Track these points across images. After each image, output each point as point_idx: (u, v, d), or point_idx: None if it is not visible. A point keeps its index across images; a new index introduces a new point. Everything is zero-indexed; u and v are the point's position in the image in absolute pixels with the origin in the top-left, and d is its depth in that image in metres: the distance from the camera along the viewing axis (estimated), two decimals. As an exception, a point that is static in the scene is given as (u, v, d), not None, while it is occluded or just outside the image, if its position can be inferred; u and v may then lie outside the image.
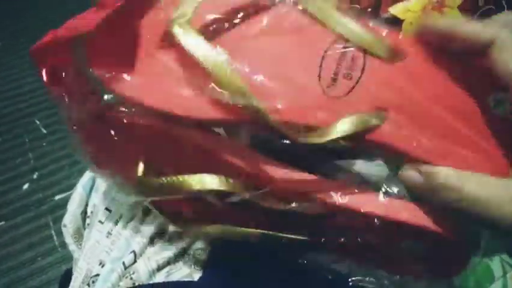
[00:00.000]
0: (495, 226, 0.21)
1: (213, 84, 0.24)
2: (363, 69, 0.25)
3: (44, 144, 0.64)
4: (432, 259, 0.26)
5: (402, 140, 0.25)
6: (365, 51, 0.25)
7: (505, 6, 0.37)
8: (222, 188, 0.26)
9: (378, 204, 0.25)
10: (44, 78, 0.23)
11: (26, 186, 0.59)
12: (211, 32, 0.26)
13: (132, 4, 0.25)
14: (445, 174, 0.24)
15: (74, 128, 0.26)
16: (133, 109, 0.25)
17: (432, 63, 0.26)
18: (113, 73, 0.23)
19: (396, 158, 0.26)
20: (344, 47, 0.26)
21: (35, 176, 0.60)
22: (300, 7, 0.27)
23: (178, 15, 0.25)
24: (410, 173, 0.26)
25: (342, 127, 0.25)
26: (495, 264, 0.39)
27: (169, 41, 0.25)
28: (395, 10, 0.38)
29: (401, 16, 0.38)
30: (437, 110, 0.26)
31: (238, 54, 0.25)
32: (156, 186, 0.27)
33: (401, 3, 0.39)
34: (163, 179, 0.25)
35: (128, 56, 0.25)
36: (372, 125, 0.25)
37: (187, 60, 0.24)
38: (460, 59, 0.25)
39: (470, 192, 0.21)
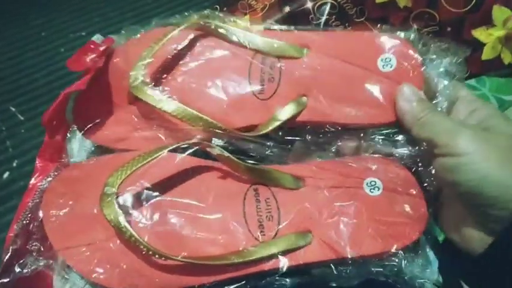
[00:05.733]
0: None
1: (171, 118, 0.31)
2: (280, 71, 0.33)
3: (22, 131, 0.62)
4: None
5: (320, 114, 0.32)
6: (278, 57, 0.33)
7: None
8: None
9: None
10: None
11: (6, 175, 0.57)
12: (159, 79, 0.34)
13: (105, 69, 0.35)
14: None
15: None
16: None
17: (332, 48, 0.33)
18: (95, 129, 0.34)
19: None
20: (263, 58, 0.33)
21: (14, 164, 0.58)
22: (222, 37, 0.34)
23: (133, 79, 0.32)
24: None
25: (280, 116, 0.32)
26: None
27: (132, 98, 0.34)
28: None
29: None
30: (338, 81, 0.33)
31: (187, 89, 0.33)
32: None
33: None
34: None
35: (103, 110, 0.35)
36: (299, 110, 0.32)
37: (145, 108, 0.34)
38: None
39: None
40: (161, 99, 0.31)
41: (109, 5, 0.80)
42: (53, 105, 0.34)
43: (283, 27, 0.35)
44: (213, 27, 0.34)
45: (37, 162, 0.36)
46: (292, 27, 0.35)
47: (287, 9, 0.40)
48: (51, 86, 0.67)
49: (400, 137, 0.32)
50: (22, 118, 0.63)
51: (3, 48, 0.72)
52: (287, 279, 0.29)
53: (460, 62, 0.32)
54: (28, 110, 0.64)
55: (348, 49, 0.33)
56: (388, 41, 0.33)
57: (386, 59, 0.32)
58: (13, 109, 0.64)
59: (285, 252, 0.29)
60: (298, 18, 0.40)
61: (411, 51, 0.32)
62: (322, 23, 0.39)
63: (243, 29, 0.34)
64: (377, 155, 0.33)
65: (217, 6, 0.46)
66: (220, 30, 0.34)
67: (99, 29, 0.75)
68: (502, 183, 0.25)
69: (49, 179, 0.34)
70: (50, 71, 0.69)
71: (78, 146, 0.37)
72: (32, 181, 0.35)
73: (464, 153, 0.26)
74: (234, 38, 0.34)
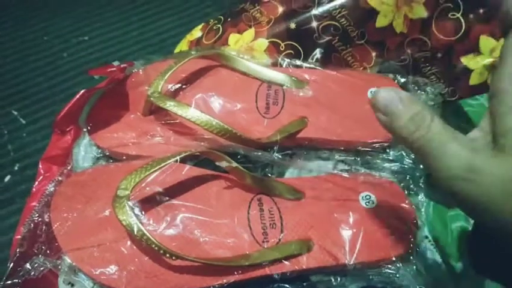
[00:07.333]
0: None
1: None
2: (283, 97, 0.38)
3: (24, 135, 0.63)
4: None
5: (320, 131, 0.36)
6: (281, 86, 0.39)
7: (461, 3, 0.42)
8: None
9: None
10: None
11: (7, 178, 0.58)
12: (176, 94, 0.38)
13: (123, 82, 0.38)
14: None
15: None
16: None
17: (328, 83, 0.39)
18: (107, 134, 0.36)
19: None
20: (268, 86, 0.39)
21: (16, 168, 0.59)
22: (231, 66, 0.39)
23: (153, 90, 0.35)
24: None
25: (284, 129, 0.36)
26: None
27: (147, 109, 0.36)
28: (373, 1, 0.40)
29: (377, 8, 0.40)
30: (335, 105, 0.37)
31: (201, 101, 0.37)
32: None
33: None
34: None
35: (117, 118, 0.37)
36: (300, 128, 0.36)
37: (159, 118, 0.36)
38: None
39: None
40: (182, 106, 0.33)
41: (111, 10, 0.81)
42: (70, 103, 0.35)
43: (286, 62, 0.41)
44: (225, 56, 0.39)
45: (40, 165, 0.36)
46: (294, 62, 0.41)
47: (293, 25, 0.42)
48: (54, 90, 0.68)
49: (392, 153, 0.34)
50: (24, 122, 0.64)
51: (4, 51, 0.72)
52: (287, 286, 0.30)
53: (436, 97, 0.36)
54: (30, 113, 0.65)
55: (343, 81, 0.38)
56: (375, 78, 0.39)
57: (374, 92, 0.36)
58: (15, 113, 0.65)
59: (287, 258, 0.30)
60: (303, 37, 0.42)
61: (394, 86, 0.38)
62: (324, 43, 0.41)
63: (252, 62, 0.39)
64: (370, 172, 0.35)
65: (221, 17, 0.46)
66: (232, 61, 0.39)
67: (101, 34, 0.75)
68: None
69: (54, 183, 0.35)
70: (52, 75, 0.70)
71: (84, 152, 0.38)
72: (36, 185, 0.36)
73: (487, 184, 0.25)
74: (243, 68, 0.39)
